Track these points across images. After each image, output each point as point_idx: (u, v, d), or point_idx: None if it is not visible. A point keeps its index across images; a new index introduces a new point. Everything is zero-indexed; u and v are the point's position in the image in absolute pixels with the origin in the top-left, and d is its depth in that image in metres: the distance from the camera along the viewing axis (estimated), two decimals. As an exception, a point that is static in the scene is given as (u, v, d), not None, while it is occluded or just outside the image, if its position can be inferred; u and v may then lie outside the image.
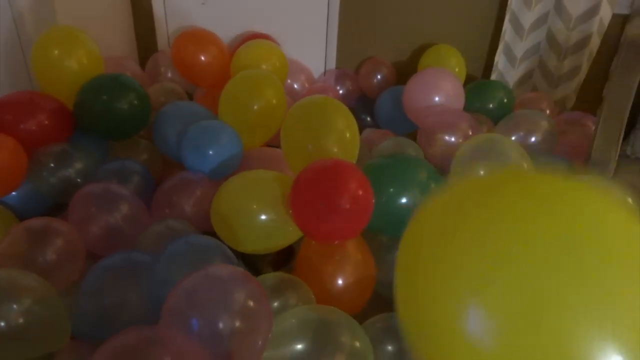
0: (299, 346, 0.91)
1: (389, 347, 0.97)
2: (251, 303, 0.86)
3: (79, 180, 1.50)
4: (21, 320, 0.95)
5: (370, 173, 1.20)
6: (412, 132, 1.97)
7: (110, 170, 1.49)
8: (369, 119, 2.20)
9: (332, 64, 2.19)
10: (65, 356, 1.00)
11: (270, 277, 1.11)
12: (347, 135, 1.22)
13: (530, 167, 1.17)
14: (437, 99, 1.73)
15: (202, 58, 1.87)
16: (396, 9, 2.10)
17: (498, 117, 1.84)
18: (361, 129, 2.10)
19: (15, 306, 0.95)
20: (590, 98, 2.05)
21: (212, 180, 1.44)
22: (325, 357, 0.89)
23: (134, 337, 0.91)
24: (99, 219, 1.25)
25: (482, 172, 1.14)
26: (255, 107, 1.52)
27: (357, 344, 0.92)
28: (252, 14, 2.04)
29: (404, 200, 1.23)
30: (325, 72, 2.20)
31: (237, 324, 0.83)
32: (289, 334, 0.92)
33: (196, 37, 1.90)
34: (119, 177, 1.47)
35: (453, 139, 1.58)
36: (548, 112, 1.93)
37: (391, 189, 1.23)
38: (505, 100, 1.91)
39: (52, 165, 1.46)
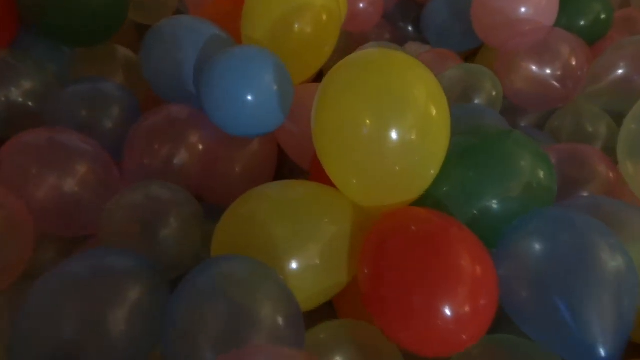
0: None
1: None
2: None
3: (30, 104, 1.10)
4: None
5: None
6: (474, 50, 1.55)
7: (76, 95, 1.05)
8: (410, 28, 1.76)
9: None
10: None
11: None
12: (433, 112, 0.73)
13: None
14: (523, 10, 1.29)
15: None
16: None
17: (590, 40, 1.40)
18: (401, 42, 1.68)
19: None
20: None
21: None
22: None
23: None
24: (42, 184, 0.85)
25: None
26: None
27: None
28: None
29: (495, 206, 0.77)
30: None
31: None
32: None
33: None
34: (89, 107, 1.04)
35: (548, 71, 1.19)
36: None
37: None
38: (602, 17, 1.45)
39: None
